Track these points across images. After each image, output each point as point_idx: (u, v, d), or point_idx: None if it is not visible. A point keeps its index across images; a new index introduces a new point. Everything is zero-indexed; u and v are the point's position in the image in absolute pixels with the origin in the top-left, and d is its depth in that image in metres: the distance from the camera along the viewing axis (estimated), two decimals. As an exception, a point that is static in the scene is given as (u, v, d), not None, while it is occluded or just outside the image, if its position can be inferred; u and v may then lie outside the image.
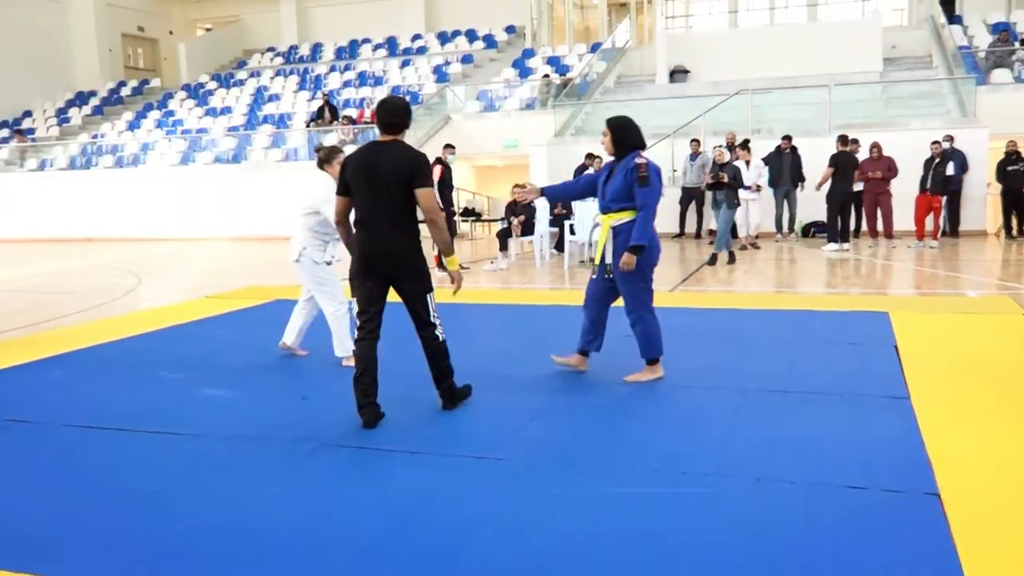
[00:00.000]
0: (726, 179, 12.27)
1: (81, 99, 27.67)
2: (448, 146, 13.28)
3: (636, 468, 4.12)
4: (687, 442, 4.52)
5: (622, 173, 5.52)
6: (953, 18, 20.76)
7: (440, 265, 12.64)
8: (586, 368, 6.03)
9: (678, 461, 4.19)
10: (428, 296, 4.94)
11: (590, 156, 15.03)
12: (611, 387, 5.67)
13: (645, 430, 4.82)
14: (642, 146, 5.65)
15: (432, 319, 4.94)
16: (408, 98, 22.28)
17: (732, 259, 12.43)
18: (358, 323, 4.89)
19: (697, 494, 3.80)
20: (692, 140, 16.16)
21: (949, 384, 5.48)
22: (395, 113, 4.84)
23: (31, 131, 26.02)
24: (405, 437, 4.67)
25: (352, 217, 4.93)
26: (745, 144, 14.46)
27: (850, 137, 14.20)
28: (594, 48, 23.38)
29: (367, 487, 4.02)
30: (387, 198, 4.73)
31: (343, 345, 6.43)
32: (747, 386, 5.58)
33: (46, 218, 22.19)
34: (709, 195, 13.27)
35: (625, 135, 5.61)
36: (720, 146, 13.46)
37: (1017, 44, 18.79)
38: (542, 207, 13.60)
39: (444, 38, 26.75)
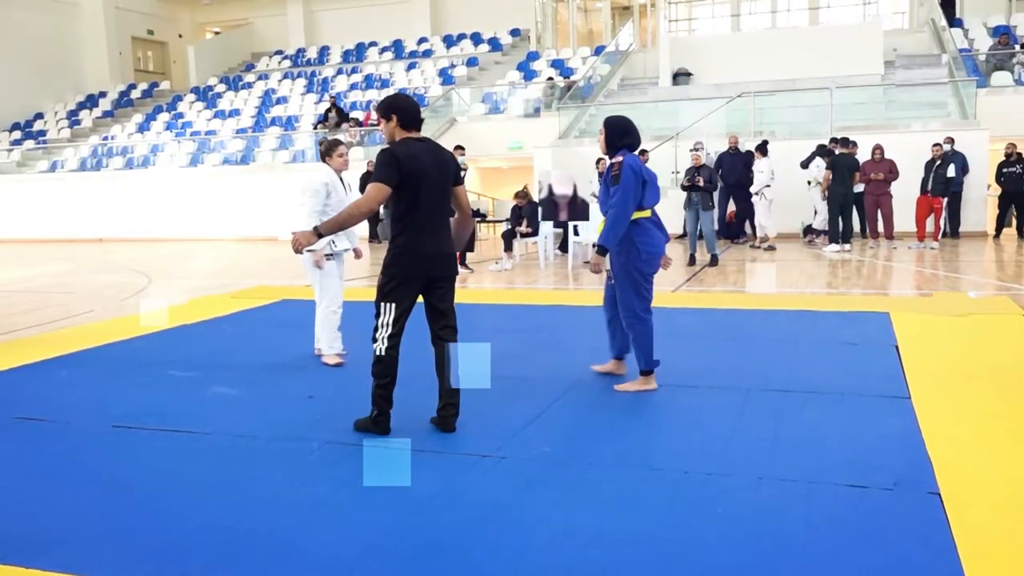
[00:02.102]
0: (701, 182, 12.34)
1: (91, 101, 27.70)
2: (459, 147, 13.28)
3: (638, 467, 4.11)
4: (689, 441, 4.51)
5: (607, 174, 5.37)
6: (954, 21, 20.71)
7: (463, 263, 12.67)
8: (624, 372, 5.89)
9: (680, 460, 4.19)
10: None
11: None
12: (613, 387, 5.65)
13: (648, 430, 4.82)
14: (633, 147, 5.42)
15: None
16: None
17: (692, 261, 12.54)
18: (392, 330, 4.61)
19: (699, 493, 3.79)
20: (696, 143, 16.04)
21: (950, 384, 5.46)
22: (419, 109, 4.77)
23: (42, 133, 26.09)
24: (409, 436, 4.64)
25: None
26: (763, 146, 14.42)
27: (850, 139, 14.18)
28: (598, 51, 23.34)
29: (370, 485, 3.98)
30: (444, 197, 4.70)
31: (332, 344, 6.48)
32: (749, 386, 5.56)
33: (57, 219, 22.23)
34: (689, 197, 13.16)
35: (617, 135, 5.37)
36: (695, 149, 13.37)
37: (1017, 47, 18.73)
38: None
39: (449, 41, 26.75)
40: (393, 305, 4.60)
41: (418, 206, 4.56)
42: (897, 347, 6.51)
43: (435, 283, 4.70)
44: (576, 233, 13.13)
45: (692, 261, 12.54)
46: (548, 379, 5.86)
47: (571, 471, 4.10)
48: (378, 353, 4.63)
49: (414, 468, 4.18)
